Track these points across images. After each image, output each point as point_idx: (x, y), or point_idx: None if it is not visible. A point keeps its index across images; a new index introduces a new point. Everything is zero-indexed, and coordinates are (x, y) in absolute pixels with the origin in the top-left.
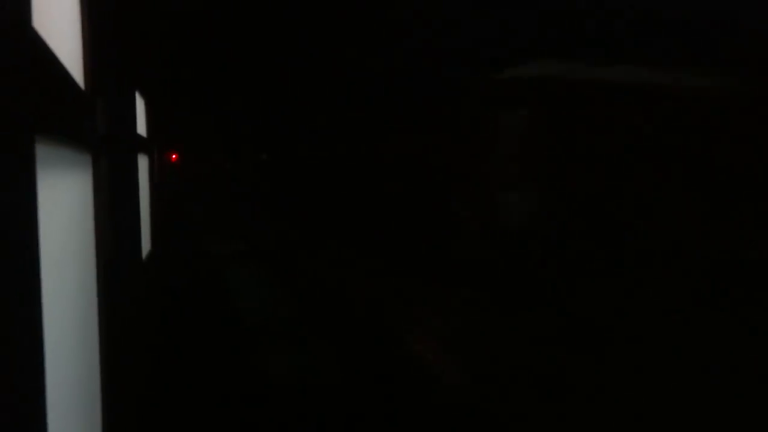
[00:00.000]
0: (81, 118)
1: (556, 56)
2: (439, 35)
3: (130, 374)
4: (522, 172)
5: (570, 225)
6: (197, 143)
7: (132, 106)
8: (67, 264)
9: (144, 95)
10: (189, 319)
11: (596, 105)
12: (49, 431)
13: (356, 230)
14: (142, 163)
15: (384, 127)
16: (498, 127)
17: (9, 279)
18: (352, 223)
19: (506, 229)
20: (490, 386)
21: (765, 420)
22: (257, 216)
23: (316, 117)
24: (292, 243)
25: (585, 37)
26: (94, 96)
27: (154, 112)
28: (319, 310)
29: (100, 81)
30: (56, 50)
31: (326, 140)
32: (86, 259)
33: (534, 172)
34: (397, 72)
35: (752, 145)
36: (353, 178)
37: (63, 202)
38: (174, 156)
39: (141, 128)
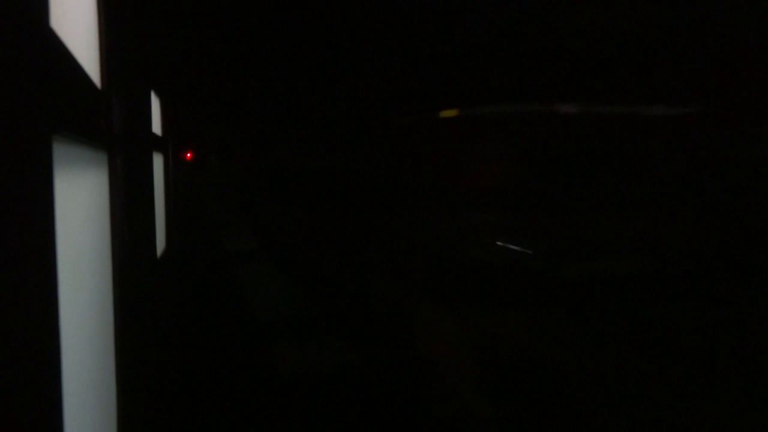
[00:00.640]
0: (97, 116)
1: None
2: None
3: (145, 372)
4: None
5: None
6: (212, 142)
7: (147, 105)
8: (84, 262)
9: (159, 94)
10: (204, 315)
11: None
12: (65, 429)
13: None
14: (158, 161)
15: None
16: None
17: (27, 277)
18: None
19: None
20: None
21: None
22: (271, 214)
23: (330, 119)
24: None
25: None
26: (110, 95)
27: (169, 111)
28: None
29: (117, 80)
30: (73, 49)
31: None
32: (102, 257)
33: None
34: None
35: None
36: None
37: (79, 200)
38: (189, 154)
39: (156, 127)
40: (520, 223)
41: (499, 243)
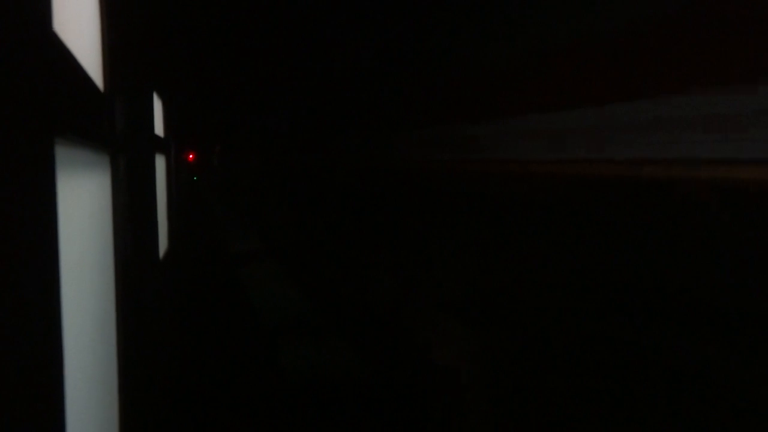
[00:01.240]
0: (100, 118)
1: None
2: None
3: (147, 373)
4: None
5: None
6: (214, 143)
7: (150, 107)
8: (86, 263)
9: (162, 96)
10: (206, 316)
11: None
12: (67, 429)
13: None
14: (160, 162)
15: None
16: None
17: (30, 278)
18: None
19: None
20: None
21: None
22: (273, 215)
23: (333, 119)
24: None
25: None
26: (113, 97)
27: (171, 112)
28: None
29: (119, 82)
30: (76, 52)
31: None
32: (104, 259)
33: None
34: None
35: None
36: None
37: (82, 202)
38: (191, 156)
39: (159, 128)
40: None
41: None
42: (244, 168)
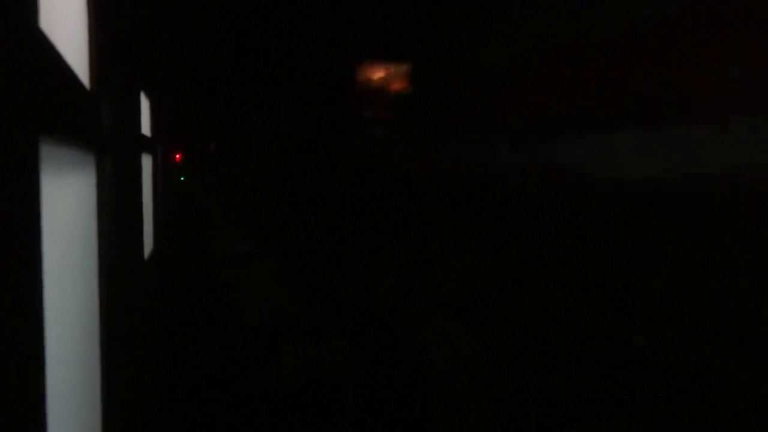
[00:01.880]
0: (86, 118)
1: None
2: None
3: (131, 373)
4: None
5: None
6: (202, 143)
7: (137, 107)
8: (70, 263)
9: (149, 95)
10: (191, 318)
11: None
12: (49, 429)
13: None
14: (146, 162)
15: None
16: None
17: (12, 278)
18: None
19: None
20: None
21: None
22: (262, 217)
23: (318, 120)
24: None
25: None
26: (99, 96)
27: (158, 112)
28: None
29: (106, 81)
30: (62, 50)
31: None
32: (89, 259)
33: None
34: None
35: None
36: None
37: (67, 201)
38: (178, 156)
39: (145, 128)
40: None
41: None
42: (236, 168)
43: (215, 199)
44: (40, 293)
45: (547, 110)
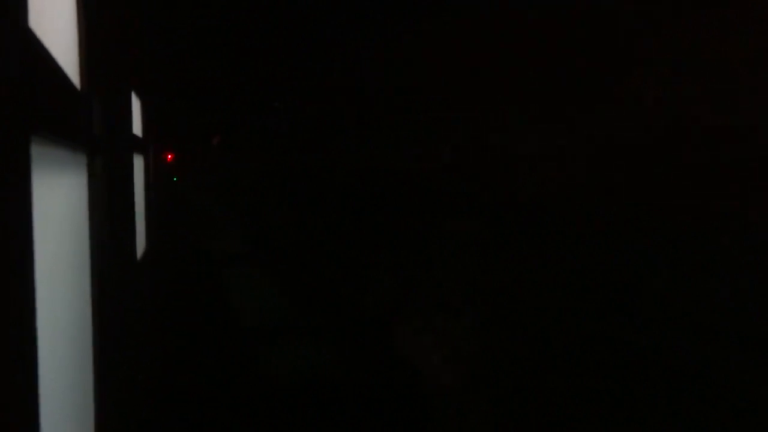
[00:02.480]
0: (77, 118)
1: None
2: None
3: (124, 374)
4: None
5: None
6: (194, 143)
7: (128, 106)
8: (62, 264)
9: (140, 95)
10: (185, 319)
11: None
12: (42, 430)
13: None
14: (138, 163)
15: None
16: None
17: (3, 279)
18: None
19: None
20: None
21: None
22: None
23: (315, 121)
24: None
25: None
26: (90, 96)
27: (150, 112)
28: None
29: (97, 81)
30: (52, 50)
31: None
32: (81, 260)
33: None
34: None
35: None
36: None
37: (58, 202)
38: (170, 156)
39: (137, 128)
40: None
41: None
42: (230, 168)
43: (208, 199)
44: (32, 294)
45: None
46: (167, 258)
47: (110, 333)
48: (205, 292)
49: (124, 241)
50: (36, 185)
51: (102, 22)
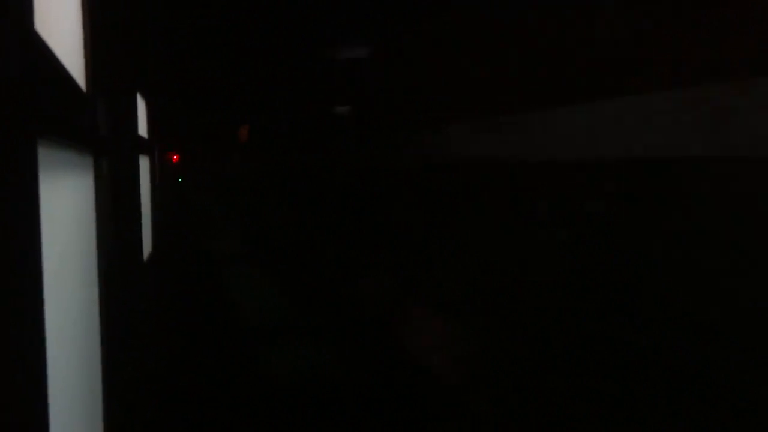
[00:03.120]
0: (82, 119)
1: None
2: None
3: (132, 375)
4: None
5: None
6: (198, 144)
7: (133, 108)
8: (69, 266)
9: (145, 96)
10: (190, 319)
11: None
12: (51, 431)
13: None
14: (144, 164)
15: None
16: None
17: (11, 282)
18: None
19: None
20: None
21: None
22: (257, 218)
23: (317, 121)
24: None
25: None
26: (96, 97)
27: (155, 113)
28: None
29: (102, 82)
30: (58, 52)
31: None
32: (88, 261)
33: None
34: None
35: None
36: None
37: (64, 204)
38: (175, 157)
39: (142, 129)
40: None
41: None
42: (236, 168)
43: (214, 200)
44: (40, 296)
45: None
46: (173, 258)
47: (117, 333)
48: (210, 293)
49: (131, 242)
50: (43, 187)
51: (107, 23)
